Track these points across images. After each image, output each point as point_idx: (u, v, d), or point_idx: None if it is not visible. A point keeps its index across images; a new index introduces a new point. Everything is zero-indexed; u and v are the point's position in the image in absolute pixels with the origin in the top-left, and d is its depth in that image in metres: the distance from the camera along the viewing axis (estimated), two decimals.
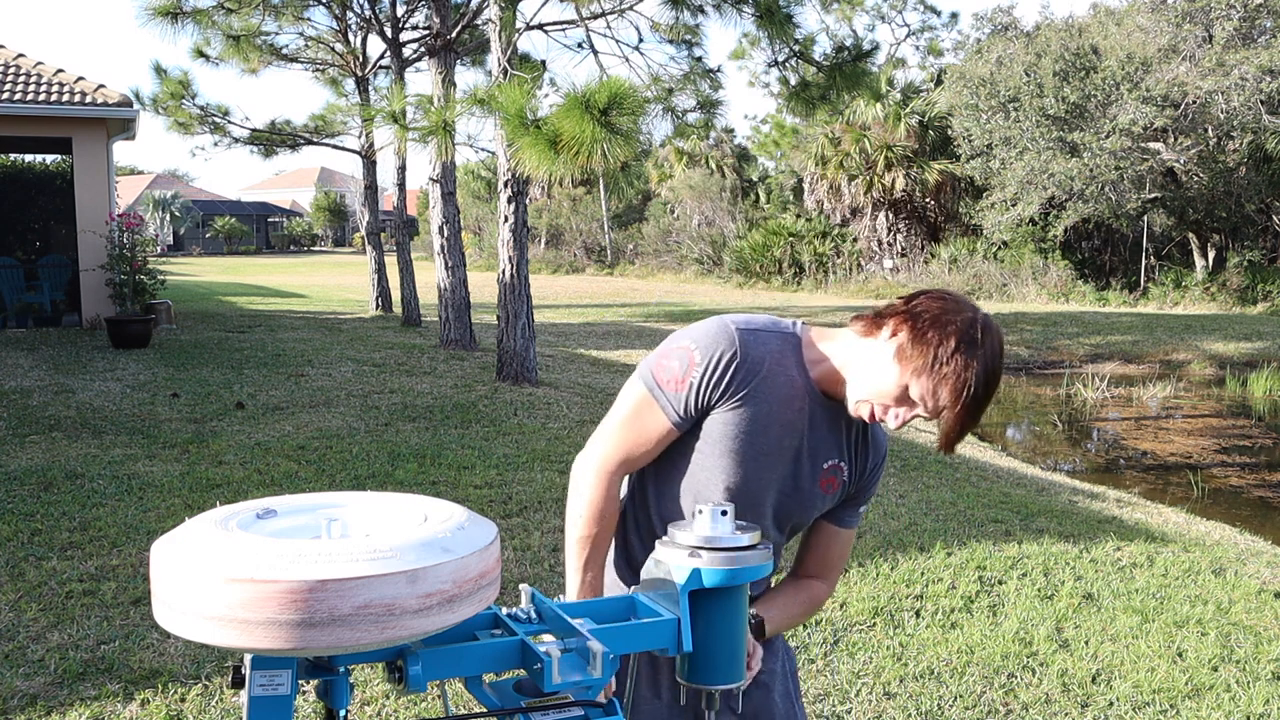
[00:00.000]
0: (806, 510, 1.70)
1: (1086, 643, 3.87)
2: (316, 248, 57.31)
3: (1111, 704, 3.39)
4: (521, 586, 1.41)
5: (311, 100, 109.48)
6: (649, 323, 17.50)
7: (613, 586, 1.72)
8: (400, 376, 9.72)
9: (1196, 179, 20.66)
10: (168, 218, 48.17)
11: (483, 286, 20.14)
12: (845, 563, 1.80)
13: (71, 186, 12.89)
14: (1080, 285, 22.82)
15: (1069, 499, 6.50)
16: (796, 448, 1.63)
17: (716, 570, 1.34)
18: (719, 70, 11.86)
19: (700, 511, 1.37)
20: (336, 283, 27.21)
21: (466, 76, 65.48)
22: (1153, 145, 20.24)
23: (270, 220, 57.82)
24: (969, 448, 8.07)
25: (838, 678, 3.50)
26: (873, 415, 1.57)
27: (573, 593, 1.66)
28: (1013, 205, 22.22)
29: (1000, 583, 4.50)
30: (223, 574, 1.04)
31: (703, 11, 10.21)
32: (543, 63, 12.00)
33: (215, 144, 15.31)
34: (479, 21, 11.99)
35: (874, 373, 1.54)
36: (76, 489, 5.48)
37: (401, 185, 16.07)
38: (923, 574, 4.55)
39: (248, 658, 1.14)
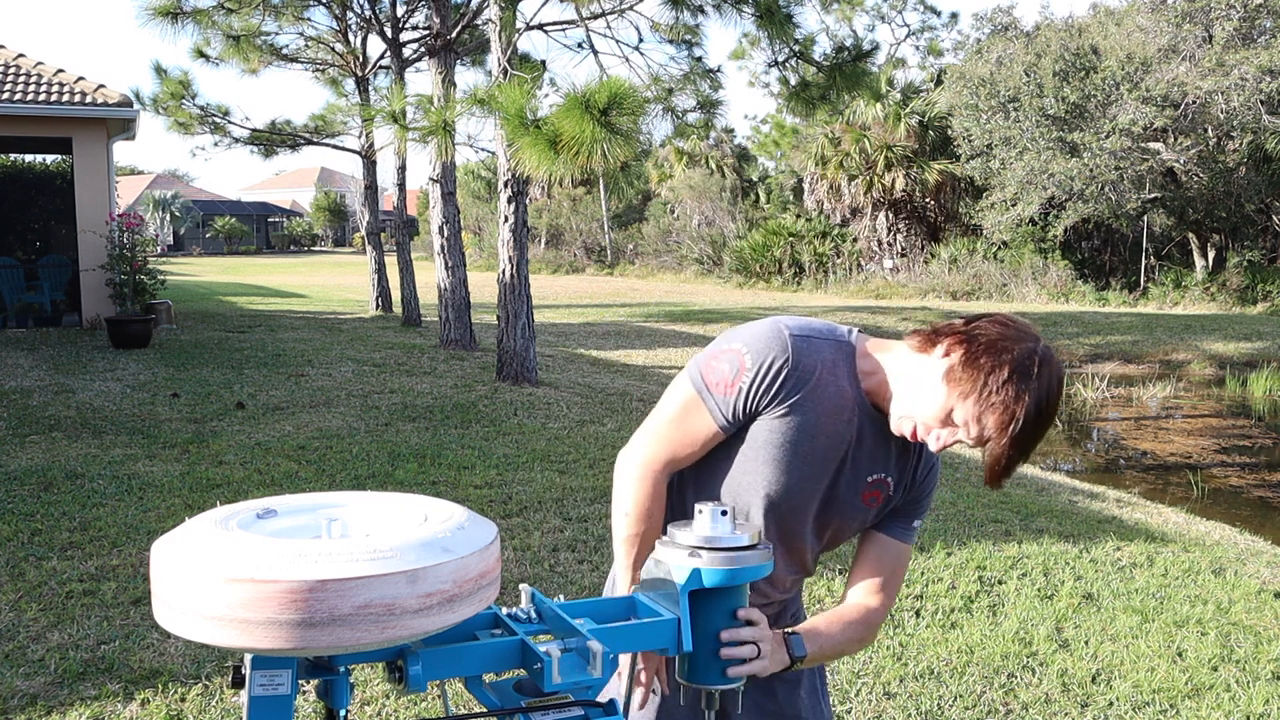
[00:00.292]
0: (847, 521, 1.67)
1: (1086, 643, 3.87)
2: (316, 248, 57.32)
3: (1111, 704, 3.39)
4: (521, 586, 1.41)
5: (311, 100, 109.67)
6: (649, 323, 17.50)
7: None
8: (400, 376, 9.72)
9: (1196, 179, 20.66)
10: (168, 218, 48.18)
11: (483, 286, 20.15)
12: (900, 582, 1.74)
13: (71, 186, 12.89)
14: (1080, 285, 22.82)
15: (1069, 499, 6.50)
16: (841, 459, 1.60)
17: (716, 570, 1.34)
18: (719, 70, 11.86)
19: (700, 511, 1.37)
20: (336, 283, 27.21)
21: (466, 76, 65.50)
22: (1153, 145, 20.24)
23: (270, 220, 57.83)
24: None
25: (838, 678, 3.50)
26: (914, 434, 1.53)
27: (624, 589, 1.65)
28: (1013, 205, 22.22)
29: (1000, 582, 4.50)
30: (223, 574, 1.04)
31: (703, 11, 10.22)
32: (543, 63, 12.00)
33: (215, 144, 15.32)
34: (479, 21, 12.00)
35: (920, 391, 1.50)
36: (76, 489, 5.48)
37: (401, 185, 16.06)
38: (922, 574, 4.55)
39: (248, 658, 1.14)
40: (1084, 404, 11.60)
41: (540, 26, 10.27)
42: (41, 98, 12.17)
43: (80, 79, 12.64)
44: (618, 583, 1.71)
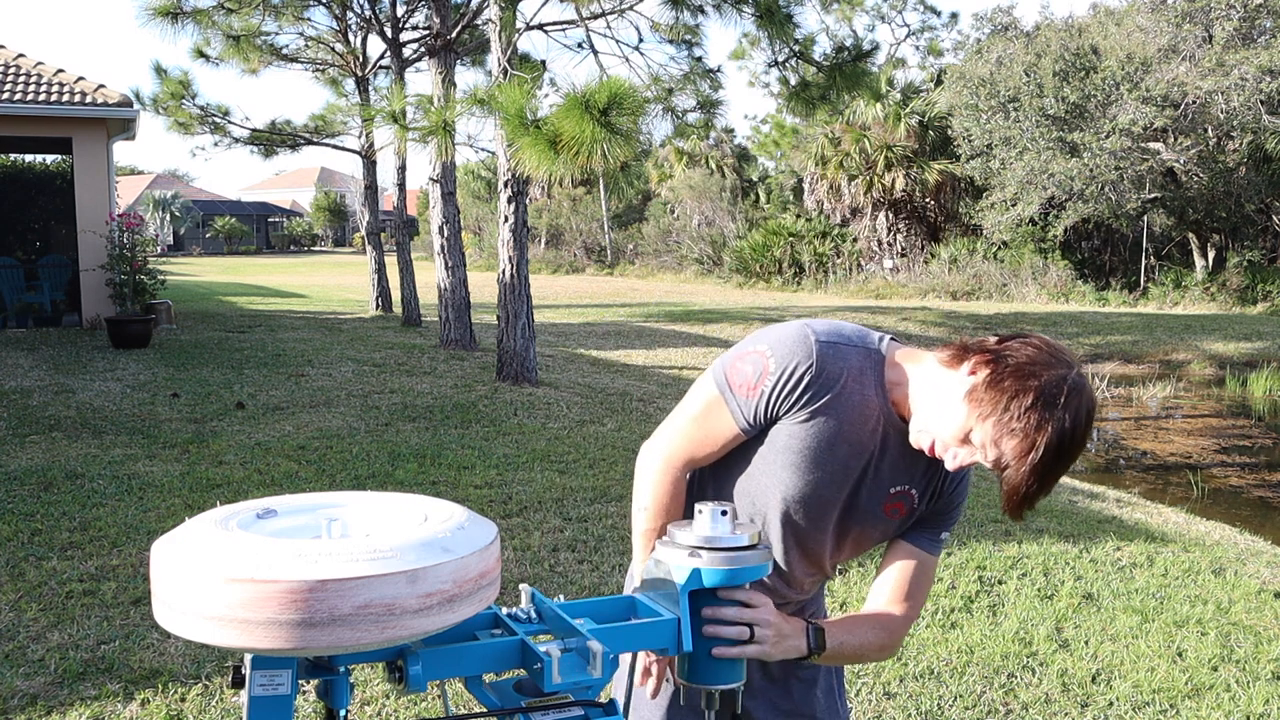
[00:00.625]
0: (869, 531, 1.64)
1: (1086, 643, 3.87)
2: (316, 248, 57.32)
3: (1111, 704, 3.39)
4: (521, 586, 1.41)
5: (311, 100, 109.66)
6: (649, 323, 17.50)
7: None
8: (400, 376, 9.73)
9: (1196, 179, 20.66)
10: (168, 218, 48.18)
11: (483, 286, 20.14)
12: (925, 593, 1.70)
13: (71, 186, 12.89)
14: (1080, 285, 22.82)
15: (1069, 499, 6.50)
16: (863, 469, 1.57)
17: (716, 570, 1.34)
18: (719, 70, 11.87)
19: (700, 511, 1.37)
20: (336, 283, 27.21)
21: (466, 76, 65.47)
22: (1152, 145, 20.24)
23: (270, 220, 57.82)
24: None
25: None
26: (932, 449, 1.49)
27: None
28: (1013, 205, 22.21)
29: (1000, 582, 4.50)
30: (223, 574, 1.04)
31: (703, 11, 10.22)
32: (543, 63, 12.00)
33: (215, 144, 15.32)
34: (479, 21, 12.00)
35: (941, 407, 1.46)
36: (76, 489, 5.48)
37: (401, 185, 16.06)
38: None
39: (248, 658, 1.14)
40: None
41: (540, 26, 10.27)
42: (41, 98, 12.17)
43: (80, 79, 12.64)
44: (635, 577, 1.70)
